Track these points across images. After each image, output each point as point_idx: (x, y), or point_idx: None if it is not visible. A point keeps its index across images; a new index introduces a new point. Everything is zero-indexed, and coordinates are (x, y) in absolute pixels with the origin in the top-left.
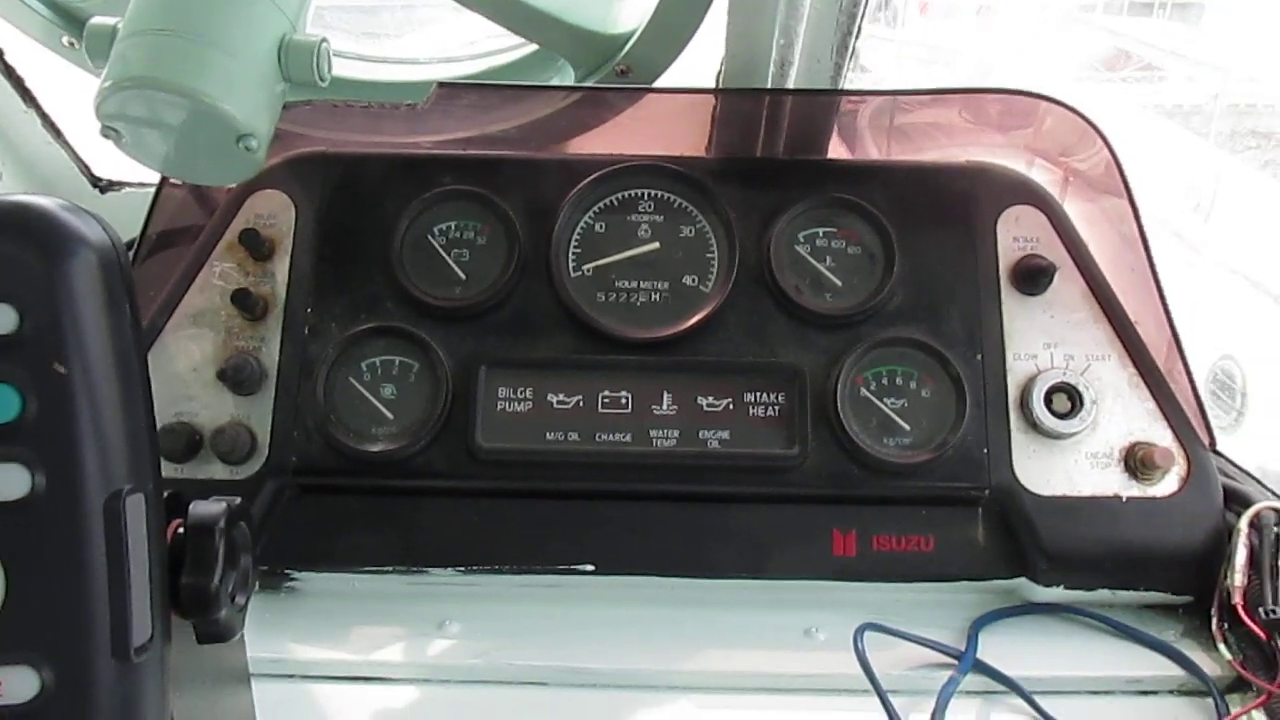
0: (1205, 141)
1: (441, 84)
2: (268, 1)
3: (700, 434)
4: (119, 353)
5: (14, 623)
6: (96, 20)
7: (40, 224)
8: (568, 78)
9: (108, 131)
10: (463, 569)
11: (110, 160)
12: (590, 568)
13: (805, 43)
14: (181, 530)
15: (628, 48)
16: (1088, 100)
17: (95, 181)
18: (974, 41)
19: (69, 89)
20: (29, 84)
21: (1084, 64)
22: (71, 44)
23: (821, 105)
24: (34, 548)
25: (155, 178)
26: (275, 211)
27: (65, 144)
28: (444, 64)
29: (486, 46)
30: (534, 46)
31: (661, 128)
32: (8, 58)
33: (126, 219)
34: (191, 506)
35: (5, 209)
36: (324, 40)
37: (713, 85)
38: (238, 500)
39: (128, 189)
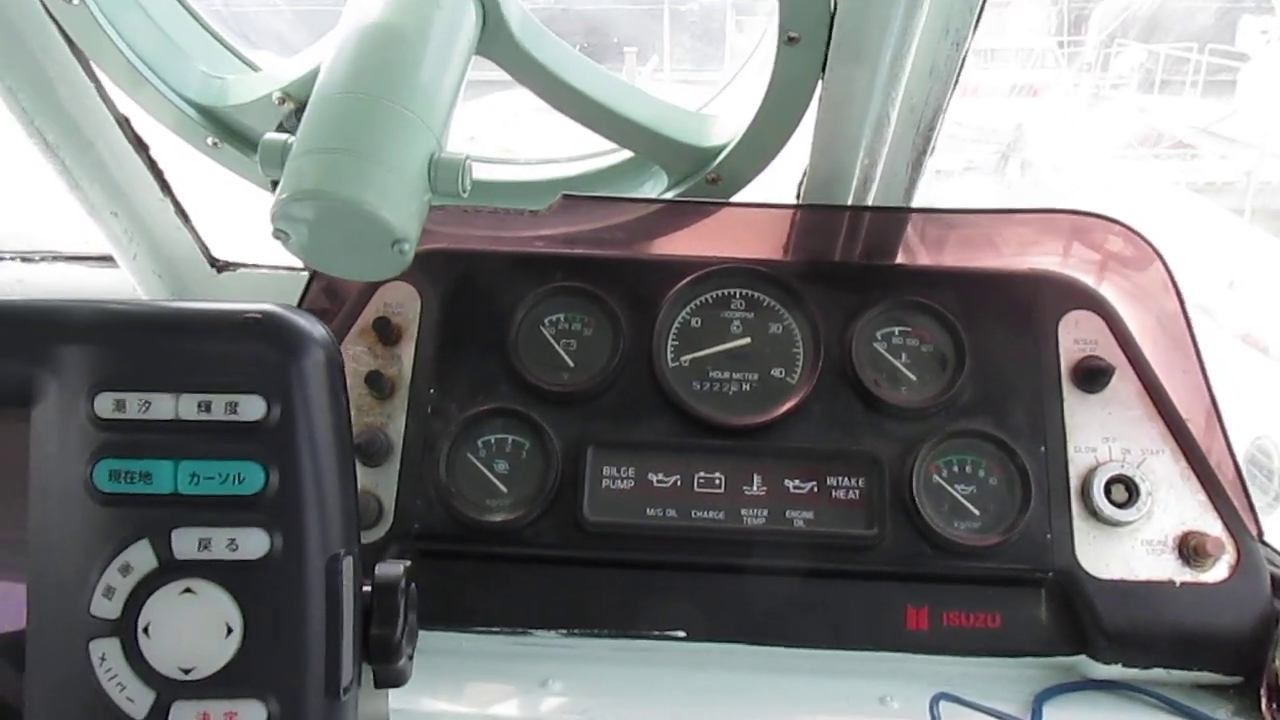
0: (1240, 219)
1: (566, 195)
2: (420, 124)
3: (787, 514)
4: (339, 434)
5: (249, 663)
6: (270, 136)
7: (283, 328)
8: (660, 181)
9: (279, 234)
10: (565, 632)
11: (226, 244)
12: (682, 634)
13: (886, 160)
14: (367, 588)
15: (720, 159)
16: (1123, 178)
17: (213, 262)
18: (1008, 119)
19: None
20: (166, 176)
21: (1118, 141)
22: (215, 143)
23: (897, 217)
24: (268, 600)
25: (268, 260)
26: (403, 301)
27: (192, 229)
28: (544, 165)
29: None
30: (629, 152)
31: (748, 230)
32: (152, 153)
33: (239, 296)
34: (377, 568)
35: (254, 317)
36: (468, 157)
37: (794, 193)
38: (408, 563)
39: (242, 270)
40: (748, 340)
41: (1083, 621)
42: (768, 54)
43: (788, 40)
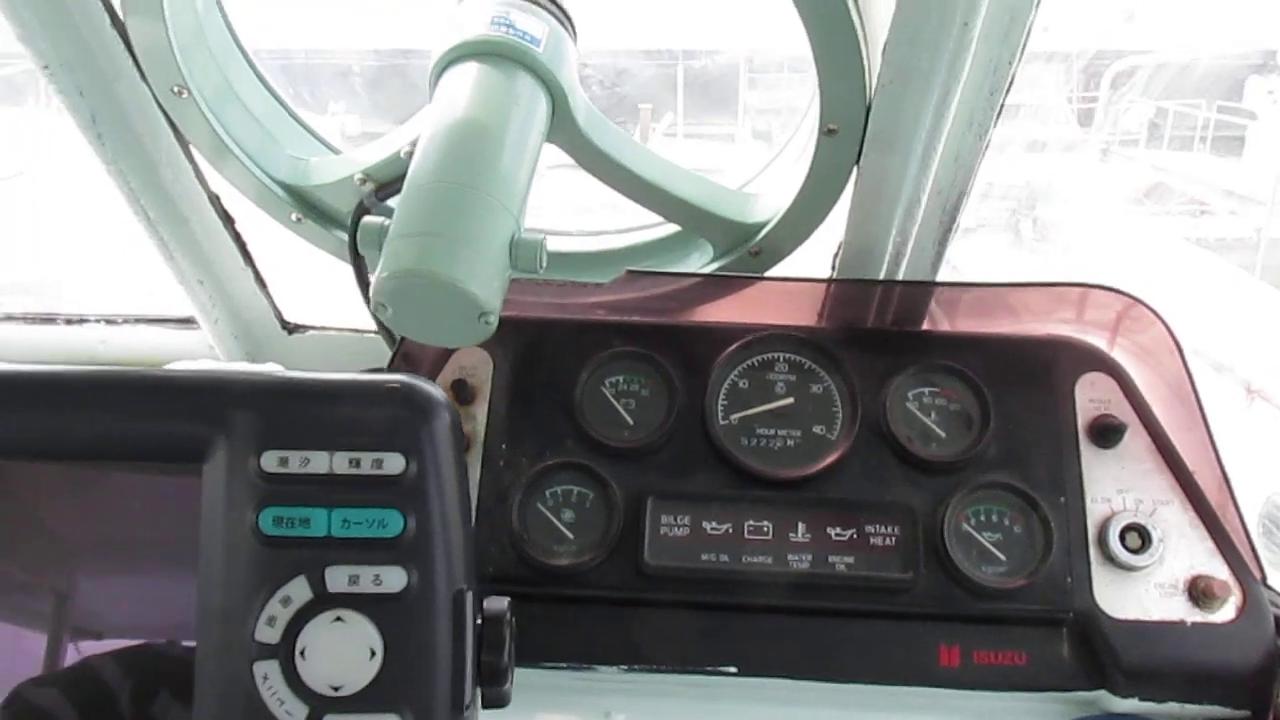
0: (1251, 276)
1: (630, 271)
2: (503, 208)
3: (829, 559)
4: (461, 485)
5: (389, 682)
6: (369, 220)
7: (417, 395)
8: (705, 252)
9: (379, 309)
10: (627, 667)
11: (294, 307)
12: (734, 670)
13: (916, 237)
14: (478, 620)
15: (762, 235)
16: (1134, 234)
17: (284, 325)
18: (1021, 175)
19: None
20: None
21: (1127, 197)
22: (298, 219)
23: (925, 289)
24: (406, 628)
25: (333, 323)
26: (477, 365)
27: (267, 294)
28: (593, 237)
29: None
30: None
31: (787, 299)
32: (237, 226)
33: (308, 356)
34: (486, 602)
35: (394, 386)
36: (545, 237)
37: (829, 263)
38: (508, 599)
39: (310, 331)
40: (791, 400)
41: (1102, 659)
42: (804, 140)
43: (827, 132)
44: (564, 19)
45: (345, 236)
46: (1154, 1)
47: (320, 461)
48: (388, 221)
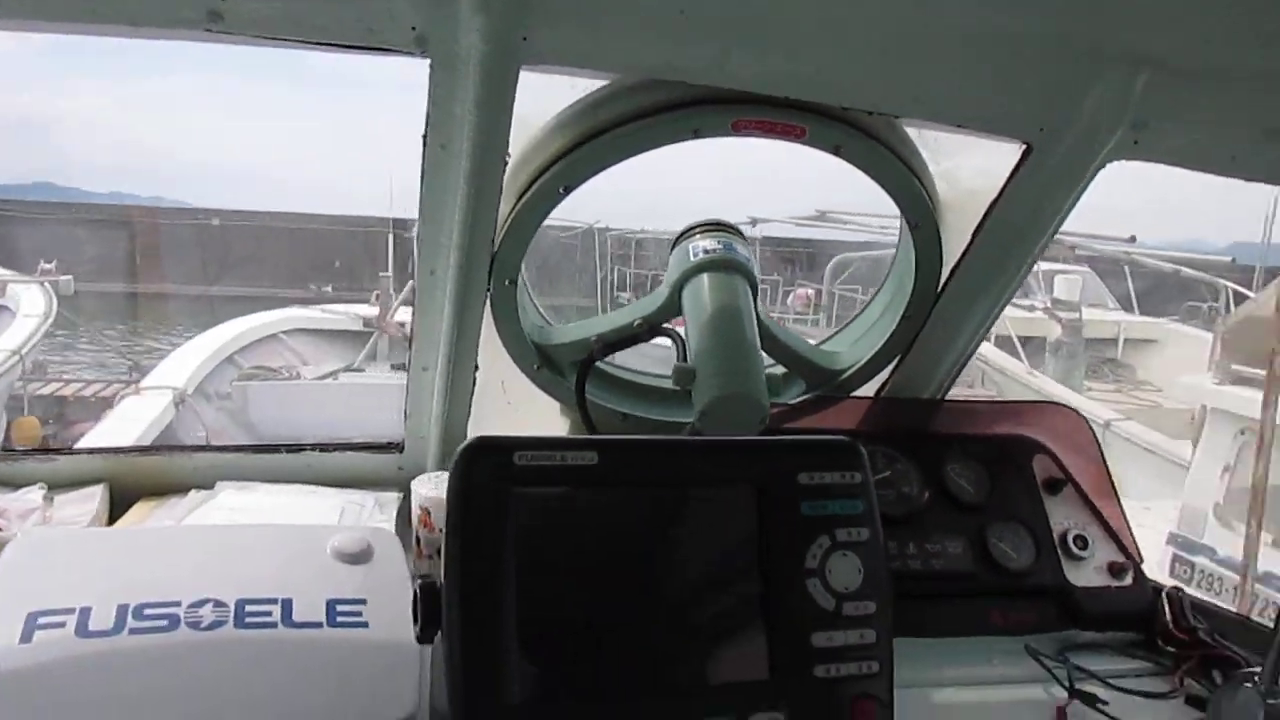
0: None
1: (820, 396)
2: (759, 356)
3: (929, 561)
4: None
5: (867, 586)
6: (682, 365)
7: (857, 446)
8: (800, 386)
9: (701, 416)
10: None
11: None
12: None
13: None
14: None
15: (846, 374)
16: None
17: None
18: None
19: None
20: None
21: None
22: (537, 367)
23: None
24: (869, 558)
25: None
26: None
27: (467, 427)
28: None
29: None
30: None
31: (866, 409)
32: (477, 373)
33: None
34: None
35: (850, 442)
36: (782, 375)
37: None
38: None
39: None
40: (889, 473)
41: (1071, 610)
42: (877, 312)
43: (905, 317)
44: (746, 242)
45: (560, 380)
46: None
47: (826, 477)
48: (693, 366)
